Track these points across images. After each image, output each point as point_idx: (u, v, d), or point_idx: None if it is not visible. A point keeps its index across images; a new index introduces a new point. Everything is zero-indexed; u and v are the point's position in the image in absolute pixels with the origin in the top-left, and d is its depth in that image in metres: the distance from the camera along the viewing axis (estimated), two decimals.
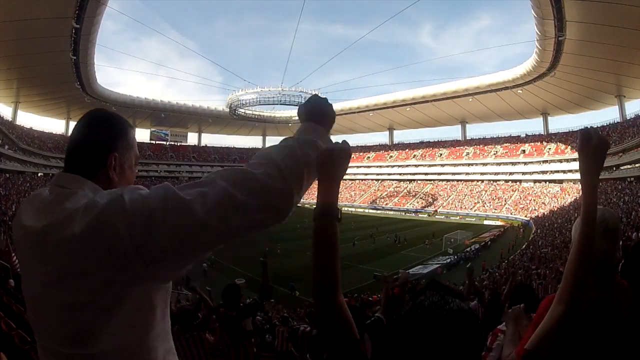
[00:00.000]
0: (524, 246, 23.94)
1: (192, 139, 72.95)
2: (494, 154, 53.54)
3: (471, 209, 46.42)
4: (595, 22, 23.63)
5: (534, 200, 42.23)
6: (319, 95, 0.91)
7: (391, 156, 66.66)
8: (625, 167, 32.94)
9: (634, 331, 0.97)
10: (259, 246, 24.02)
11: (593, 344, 0.97)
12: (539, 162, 47.27)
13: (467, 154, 56.97)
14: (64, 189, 0.70)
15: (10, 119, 42.04)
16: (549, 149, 47.63)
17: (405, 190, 57.92)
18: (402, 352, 0.53)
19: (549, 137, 49.64)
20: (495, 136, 57.77)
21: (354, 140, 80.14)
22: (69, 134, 0.68)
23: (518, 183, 47.88)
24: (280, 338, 4.71)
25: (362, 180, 66.38)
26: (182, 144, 70.38)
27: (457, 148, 59.53)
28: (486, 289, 7.40)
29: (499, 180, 50.25)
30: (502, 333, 1.66)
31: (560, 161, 44.55)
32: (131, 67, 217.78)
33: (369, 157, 69.37)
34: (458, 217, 44.14)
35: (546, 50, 30.62)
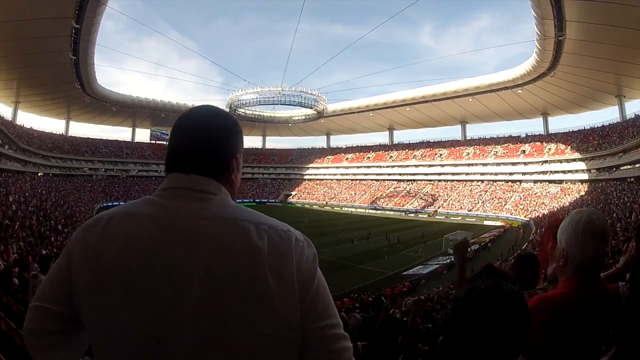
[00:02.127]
0: (524, 246, 23.94)
1: None
2: (494, 154, 53.53)
3: (471, 209, 46.42)
4: (595, 22, 23.63)
5: (534, 200, 42.22)
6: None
7: (391, 156, 66.65)
8: (625, 167, 32.94)
9: (619, 326, 1.06)
10: None
11: (584, 339, 1.00)
12: (539, 162, 47.26)
13: (467, 154, 56.96)
14: (208, 193, 0.67)
15: (10, 119, 42.02)
16: (549, 149, 47.63)
17: (405, 191, 57.91)
18: (463, 332, 0.59)
19: (549, 137, 49.63)
20: (495, 136, 57.76)
21: (354, 140, 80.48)
22: (180, 132, 0.69)
23: (518, 183, 47.86)
24: None
25: (362, 180, 66.38)
26: None
27: (457, 148, 59.52)
28: None
29: (499, 180, 50.24)
30: None
31: (560, 161, 44.54)
32: (131, 67, 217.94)
33: (369, 157, 69.36)
34: (458, 218, 44.15)
35: (546, 50, 30.62)
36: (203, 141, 0.70)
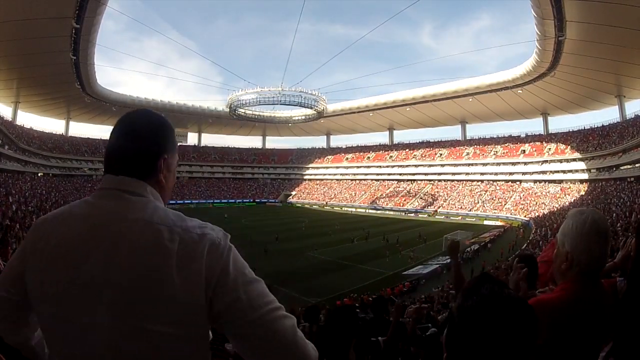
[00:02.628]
0: (524, 246, 23.95)
1: (192, 139, 73.09)
2: (494, 154, 53.53)
3: (471, 209, 46.42)
4: (595, 22, 23.63)
5: (534, 200, 42.22)
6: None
7: (391, 156, 66.66)
8: (625, 167, 32.92)
9: (619, 325, 1.05)
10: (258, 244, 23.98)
11: (583, 341, 0.99)
12: (539, 162, 47.26)
13: (467, 154, 56.96)
14: (133, 194, 0.71)
15: (10, 119, 42.02)
16: (549, 149, 47.63)
17: (405, 191, 57.92)
18: (468, 338, 0.57)
19: (549, 137, 49.63)
20: (495, 136, 57.76)
21: (354, 140, 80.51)
22: (113, 135, 0.74)
23: (518, 183, 47.86)
24: None
25: (362, 180, 66.38)
26: (182, 144, 70.31)
27: (457, 148, 59.52)
28: None
29: (499, 180, 50.24)
30: None
31: (560, 161, 44.54)
32: (131, 67, 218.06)
33: (369, 157, 69.36)
34: (458, 217, 44.15)
35: (546, 50, 30.61)
36: (129, 143, 0.73)
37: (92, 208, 0.70)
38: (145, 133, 0.75)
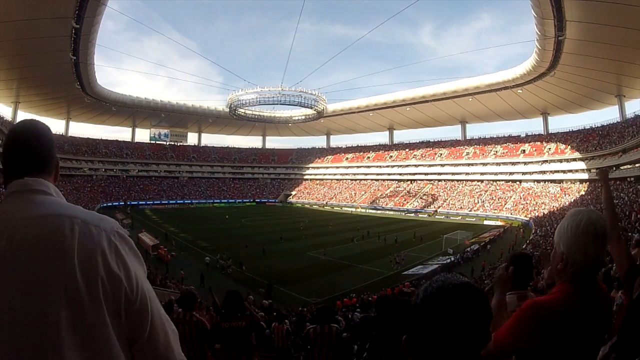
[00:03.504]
0: (524, 246, 23.95)
1: (192, 139, 73.11)
2: (494, 154, 53.53)
3: (471, 209, 46.42)
4: (595, 21, 23.62)
5: (534, 200, 42.22)
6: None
7: (391, 156, 66.65)
8: (625, 167, 32.92)
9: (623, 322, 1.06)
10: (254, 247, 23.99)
11: (579, 344, 0.98)
12: (538, 162, 47.26)
13: (467, 154, 56.96)
14: (36, 194, 0.75)
15: (10, 119, 42.02)
16: (549, 149, 47.63)
17: (405, 191, 57.92)
18: (426, 326, 0.59)
19: (549, 137, 49.63)
20: (495, 136, 57.75)
21: (354, 140, 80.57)
22: (9, 141, 0.82)
23: (518, 183, 47.86)
24: (278, 336, 4.72)
25: (362, 180, 66.38)
26: (182, 144, 70.40)
27: (457, 148, 59.52)
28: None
29: (499, 180, 50.23)
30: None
31: (560, 161, 44.54)
32: (131, 67, 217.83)
33: (369, 157, 69.36)
34: (458, 217, 44.16)
35: (546, 50, 30.61)
36: (31, 148, 0.79)
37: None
38: (43, 138, 0.82)
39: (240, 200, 63.52)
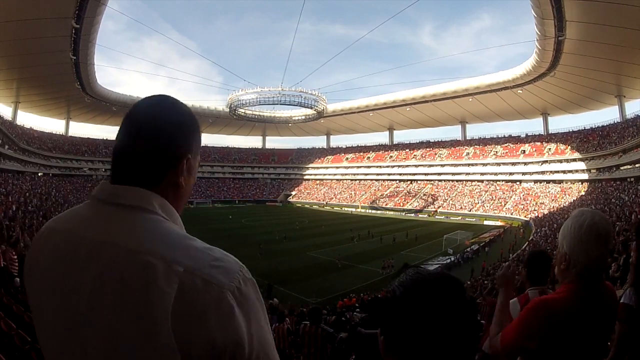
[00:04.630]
0: (524, 246, 23.94)
1: None
2: (494, 154, 53.54)
3: (471, 209, 46.42)
4: (595, 22, 23.63)
5: (534, 200, 42.23)
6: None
7: (391, 156, 66.66)
8: (625, 167, 32.92)
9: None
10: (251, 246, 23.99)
11: (583, 344, 0.99)
12: (539, 162, 47.27)
13: (467, 154, 56.97)
14: (130, 209, 0.55)
15: (10, 119, 42.05)
16: (549, 149, 47.63)
17: (405, 191, 57.93)
18: (403, 324, 0.53)
19: (549, 137, 49.64)
20: (495, 136, 57.82)
21: (354, 140, 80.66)
22: (124, 128, 0.58)
23: (518, 183, 47.87)
24: (277, 335, 4.72)
25: (362, 180, 66.38)
26: None
27: (457, 148, 59.53)
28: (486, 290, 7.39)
29: (499, 180, 50.24)
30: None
31: (560, 161, 44.55)
32: (131, 67, 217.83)
33: (369, 157, 69.37)
34: (458, 218, 44.14)
35: (546, 50, 30.62)
36: (139, 139, 0.57)
37: (80, 222, 0.57)
38: (169, 126, 0.59)
39: (240, 200, 63.51)
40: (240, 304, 0.49)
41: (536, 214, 37.27)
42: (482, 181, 52.09)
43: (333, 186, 67.52)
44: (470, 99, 48.59)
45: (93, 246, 0.52)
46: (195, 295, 0.47)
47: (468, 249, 25.21)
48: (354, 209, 55.65)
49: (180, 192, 0.61)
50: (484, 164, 53.42)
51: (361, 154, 71.53)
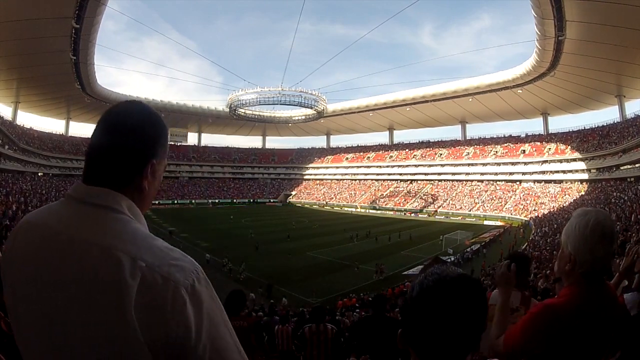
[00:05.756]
0: (524, 246, 23.94)
1: (192, 139, 73.23)
2: (494, 154, 53.54)
3: (471, 209, 46.42)
4: (595, 22, 23.63)
5: (534, 200, 42.23)
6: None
7: (391, 156, 66.66)
8: (625, 167, 32.92)
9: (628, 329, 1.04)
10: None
11: (588, 347, 0.97)
12: (539, 162, 47.26)
13: (467, 154, 56.98)
14: (100, 208, 0.60)
15: (10, 119, 42.05)
16: (549, 149, 47.63)
17: (405, 191, 57.93)
18: (422, 318, 0.60)
19: (549, 137, 49.64)
20: (495, 136, 57.80)
21: (354, 140, 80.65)
22: (95, 132, 0.63)
23: (518, 183, 47.87)
24: (281, 337, 4.70)
25: (362, 180, 66.39)
26: (182, 144, 70.41)
27: (457, 148, 59.53)
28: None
29: (499, 180, 50.24)
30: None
31: (560, 161, 44.54)
32: (131, 67, 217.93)
33: (369, 157, 69.37)
34: (458, 217, 44.14)
35: (546, 50, 30.62)
36: (104, 144, 0.62)
37: (57, 218, 0.61)
38: (131, 130, 0.63)
39: (240, 200, 63.51)
40: (192, 299, 0.54)
41: (536, 214, 37.26)
42: (482, 181, 52.09)
43: (333, 186, 67.53)
44: (470, 99, 48.60)
45: (68, 241, 0.56)
46: (155, 289, 0.52)
47: (468, 249, 25.20)
48: (353, 209, 55.65)
49: (144, 195, 0.66)
50: (483, 164, 53.43)
51: (361, 154, 71.54)
